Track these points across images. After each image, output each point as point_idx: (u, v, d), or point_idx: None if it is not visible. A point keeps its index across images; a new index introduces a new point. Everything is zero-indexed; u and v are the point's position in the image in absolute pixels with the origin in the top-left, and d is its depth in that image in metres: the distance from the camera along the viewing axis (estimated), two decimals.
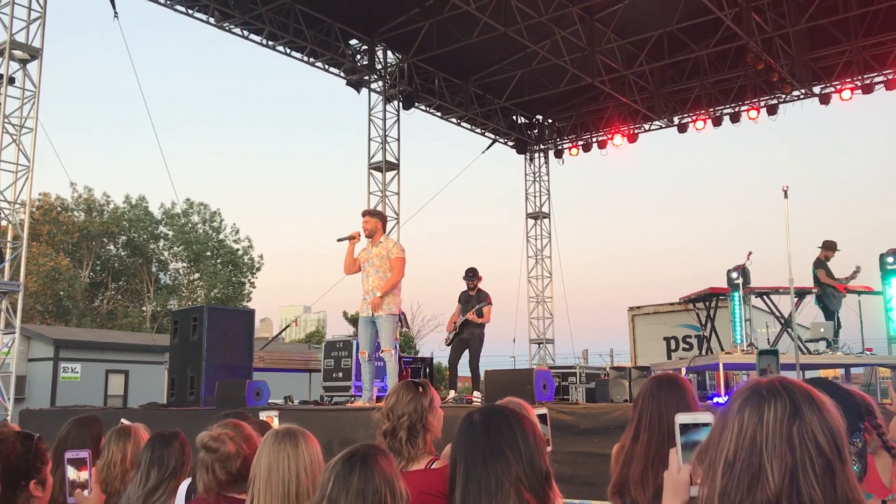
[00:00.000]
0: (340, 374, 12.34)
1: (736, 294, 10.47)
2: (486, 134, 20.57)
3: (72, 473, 2.83)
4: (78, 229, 38.32)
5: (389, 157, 18.05)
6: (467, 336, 10.29)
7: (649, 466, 2.64)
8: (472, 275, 10.49)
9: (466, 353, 10.40)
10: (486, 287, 10.48)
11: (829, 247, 11.29)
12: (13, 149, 11.86)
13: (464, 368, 10.89)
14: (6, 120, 11.77)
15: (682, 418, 1.83)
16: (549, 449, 2.51)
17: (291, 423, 2.61)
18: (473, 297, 10.40)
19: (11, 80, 11.92)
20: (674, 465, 1.85)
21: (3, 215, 11.96)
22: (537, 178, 21.80)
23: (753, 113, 17.90)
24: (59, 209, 38.21)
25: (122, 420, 3.84)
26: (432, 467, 2.92)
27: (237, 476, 2.75)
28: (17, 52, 11.88)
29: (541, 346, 20.89)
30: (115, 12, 13.70)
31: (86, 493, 2.80)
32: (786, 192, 7.96)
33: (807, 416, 1.46)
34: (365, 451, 2.11)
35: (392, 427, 2.94)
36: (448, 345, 10.57)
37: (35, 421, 10.77)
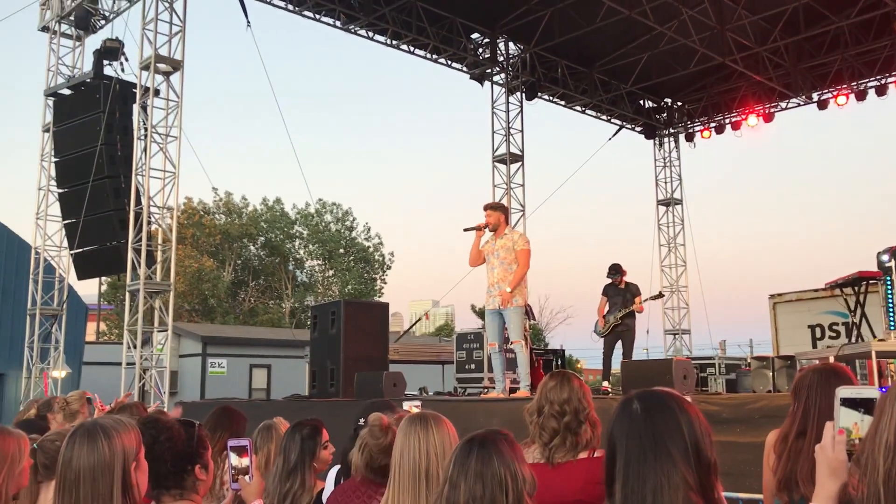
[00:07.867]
0: (473, 366, 12.46)
1: (888, 278, 9.83)
2: (612, 120, 20.19)
3: (234, 460, 2.98)
4: (219, 231, 40.34)
5: (513, 149, 17.98)
6: (622, 329, 10.57)
7: None
8: (616, 271, 10.78)
9: (619, 345, 10.67)
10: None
11: None
12: (160, 157, 12.62)
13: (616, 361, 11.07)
14: (153, 129, 12.53)
15: (843, 392, 1.73)
16: None
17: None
18: (625, 289, 10.66)
19: (157, 92, 12.68)
20: (828, 442, 1.72)
21: (153, 220, 12.73)
22: (668, 164, 21.18)
23: None
24: (201, 213, 40.34)
25: (276, 419, 3.99)
26: (594, 456, 2.94)
27: (382, 469, 2.84)
28: (161, 66, 12.63)
29: (676, 336, 20.32)
30: (248, 21, 14.33)
31: (247, 478, 2.95)
32: None
33: None
34: (484, 435, 2.15)
35: (569, 421, 2.99)
36: (602, 336, 10.81)
37: (190, 412, 11.41)
